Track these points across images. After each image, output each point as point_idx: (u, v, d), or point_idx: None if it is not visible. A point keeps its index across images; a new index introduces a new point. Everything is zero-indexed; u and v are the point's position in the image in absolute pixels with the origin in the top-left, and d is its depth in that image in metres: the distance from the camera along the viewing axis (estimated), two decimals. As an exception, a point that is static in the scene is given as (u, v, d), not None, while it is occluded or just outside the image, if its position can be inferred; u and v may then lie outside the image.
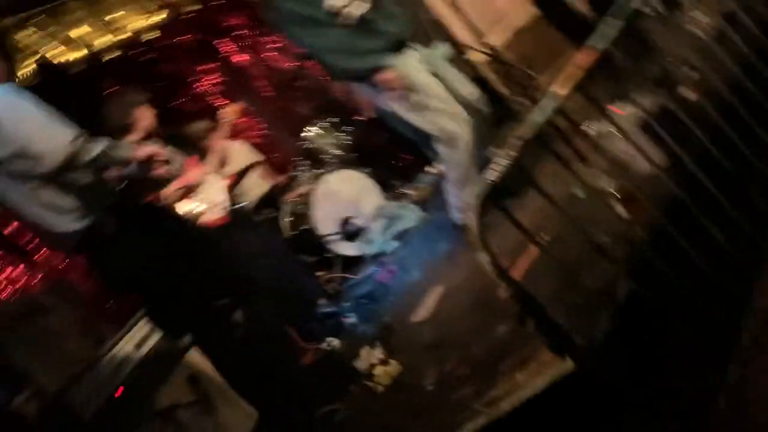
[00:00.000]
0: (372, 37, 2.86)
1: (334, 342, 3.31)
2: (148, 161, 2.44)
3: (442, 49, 4.45)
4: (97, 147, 2.29)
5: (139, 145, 2.93)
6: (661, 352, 1.65)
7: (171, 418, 2.67)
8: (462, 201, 3.08)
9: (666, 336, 1.67)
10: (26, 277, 4.53)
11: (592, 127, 2.88)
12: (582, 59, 1.86)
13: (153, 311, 2.98)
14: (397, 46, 2.92)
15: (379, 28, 2.87)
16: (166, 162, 2.55)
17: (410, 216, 4.24)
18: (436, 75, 3.01)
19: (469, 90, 3.08)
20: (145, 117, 3.52)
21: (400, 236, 4.18)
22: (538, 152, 2.80)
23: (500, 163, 1.64)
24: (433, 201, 4.38)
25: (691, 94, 2.08)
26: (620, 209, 1.97)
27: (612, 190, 2.06)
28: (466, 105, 3.00)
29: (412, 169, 5.42)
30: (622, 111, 2.80)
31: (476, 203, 1.57)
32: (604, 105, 2.93)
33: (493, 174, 1.60)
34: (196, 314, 2.62)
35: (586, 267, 1.89)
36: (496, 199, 1.71)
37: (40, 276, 4.54)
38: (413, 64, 2.94)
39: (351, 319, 3.42)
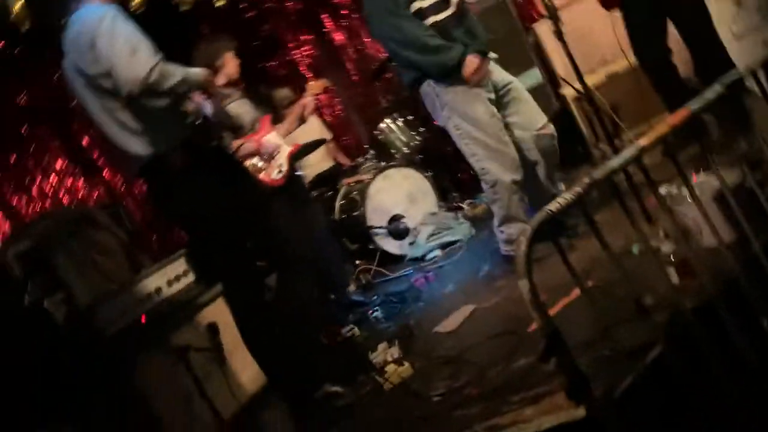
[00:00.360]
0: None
1: (355, 330, 3.35)
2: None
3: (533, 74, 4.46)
4: (177, 75, 2.37)
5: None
6: (677, 426, 1.60)
7: (183, 357, 2.73)
8: (508, 234, 3.05)
9: (688, 413, 1.62)
10: (85, 190, 4.73)
11: (665, 187, 2.82)
12: (673, 118, 1.82)
13: (193, 253, 3.08)
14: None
15: (459, 40, 2.86)
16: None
17: (459, 230, 4.22)
18: (502, 101, 2.96)
19: (542, 122, 3.02)
20: (230, 64, 3.64)
21: (445, 247, 4.17)
22: (606, 199, 2.78)
23: (565, 197, 1.62)
24: (485, 221, 4.35)
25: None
26: (673, 275, 1.92)
27: (670, 254, 2.01)
28: (530, 138, 2.96)
29: (473, 185, 5.40)
30: (701, 178, 2.74)
31: (531, 229, 1.55)
32: (684, 168, 2.88)
33: (554, 205, 1.58)
34: (233, 267, 2.68)
35: (623, 323, 1.85)
36: (552, 232, 1.69)
37: (97, 193, 4.74)
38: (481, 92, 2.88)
39: (377, 312, 3.44)
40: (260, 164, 3.54)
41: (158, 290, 3.07)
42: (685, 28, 3.20)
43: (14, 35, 3.74)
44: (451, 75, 2.83)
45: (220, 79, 3.57)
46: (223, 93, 3.56)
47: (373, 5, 2.87)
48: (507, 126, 2.96)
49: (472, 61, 2.80)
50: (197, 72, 2.53)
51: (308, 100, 3.90)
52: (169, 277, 3.15)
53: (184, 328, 2.97)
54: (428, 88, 2.92)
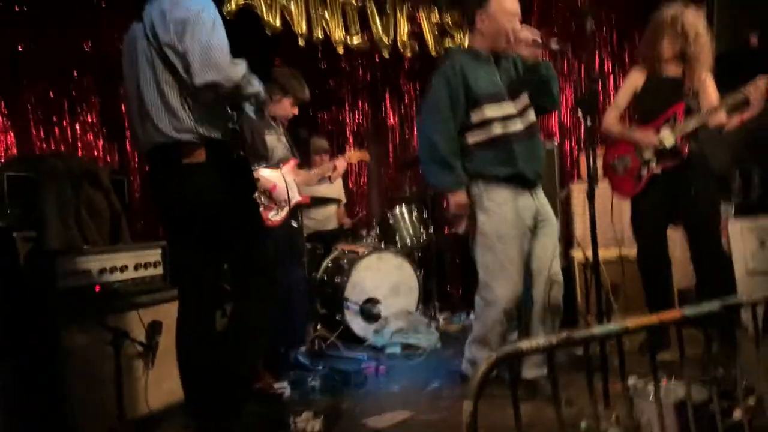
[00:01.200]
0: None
1: (287, 390, 3.27)
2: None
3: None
4: (256, 86, 2.46)
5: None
6: None
7: (115, 340, 2.67)
8: (474, 355, 3.02)
9: None
10: (102, 151, 4.77)
11: (634, 378, 2.81)
12: (664, 314, 1.84)
13: (171, 248, 3.02)
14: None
15: (519, 158, 2.87)
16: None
17: (426, 337, 4.18)
18: (535, 231, 2.93)
19: (556, 270, 3.00)
20: (286, 108, 3.72)
21: (406, 347, 4.12)
22: (575, 367, 2.77)
23: (539, 342, 1.62)
24: (454, 340, 4.32)
25: (738, 413, 2.00)
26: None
27: (614, 441, 1.98)
28: (542, 278, 2.93)
29: (457, 303, 5.41)
30: (671, 384, 2.73)
31: (497, 356, 1.54)
32: (659, 369, 2.88)
33: (525, 344, 1.58)
34: (201, 278, 2.63)
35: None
36: (515, 376, 1.68)
37: (110, 159, 4.77)
38: (505, 209, 2.86)
39: (315, 382, 3.36)
40: (263, 200, 3.55)
41: (123, 268, 3.03)
42: (703, 250, 3.31)
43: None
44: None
45: (270, 110, 3.67)
46: (267, 122, 3.65)
47: (430, 100, 2.87)
48: (529, 254, 2.93)
49: (455, 197, 2.85)
50: (263, 91, 2.57)
51: (341, 163, 3.97)
52: (139, 261, 3.12)
53: (130, 314, 2.91)
54: (477, 189, 2.89)
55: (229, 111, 2.54)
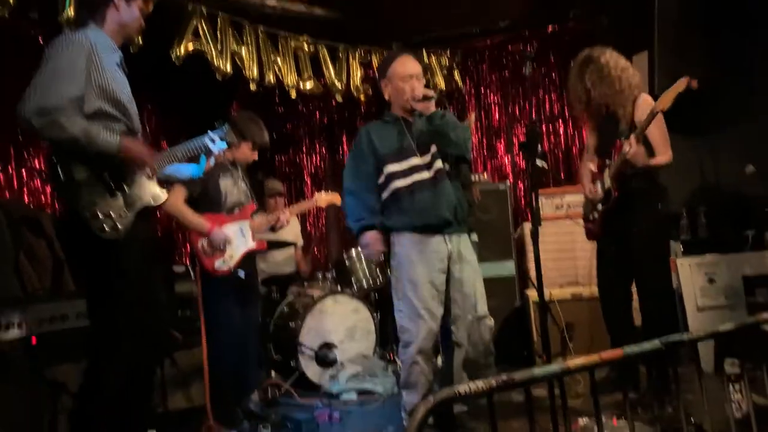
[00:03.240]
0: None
1: (238, 439, 3.17)
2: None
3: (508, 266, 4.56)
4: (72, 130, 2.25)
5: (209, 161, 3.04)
6: None
7: (53, 393, 2.56)
8: (405, 401, 3.02)
9: None
10: (49, 197, 4.66)
11: (585, 419, 2.80)
12: (606, 353, 1.84)
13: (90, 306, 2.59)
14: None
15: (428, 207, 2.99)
16: None
17: (383, 382, 4.11)
18: (452, 273, 2.98)
19: (482, 311, 3.07)
20: (246, 154, 3.69)
21: (362, 393, 4.04)
22: (520, 410, 2.74)
23: (477, 385, 1.60)
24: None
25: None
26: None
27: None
28: (464, 321, 2.98)
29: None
30: (620, 424, 2.72)
31: (432, 402, 1.51)
32: (609, 409, 2.88)
33: (462, 388, 1.55)
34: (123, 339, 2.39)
35: None
36: (450, 423, 1.65)
37: (58, 207, 4.66)
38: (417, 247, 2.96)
39: (266, 431, 3.27)
40: (207, 249, 3.46)
41: (64, 317, 2.93)
42: (644, 288, 3.33)
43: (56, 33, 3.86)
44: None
45: (229, 154, 3.61)
46: (223, 166, 3.58)
47: (345, 172, 3.17)
48: (448, 296, 2.98)
49: (365, 237, 3.01)
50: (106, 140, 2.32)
51: (285, 216, 3.87)
52: (80, 310, 3.01)
53: (70, 365, 2.79)
54: (392, 237, 3.04)
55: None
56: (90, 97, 2.30)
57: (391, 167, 3.01)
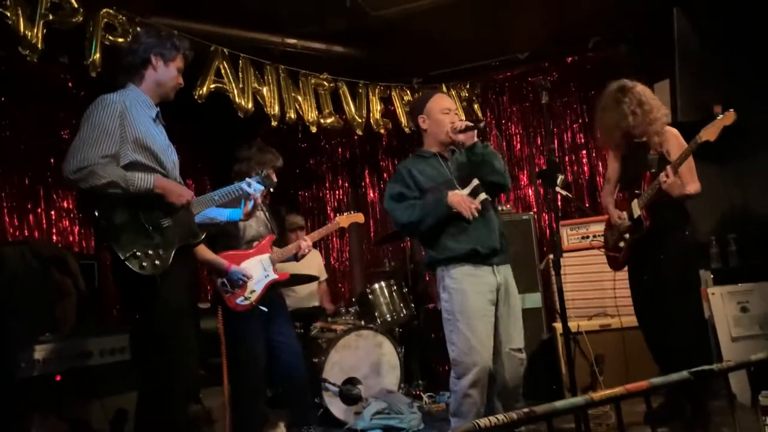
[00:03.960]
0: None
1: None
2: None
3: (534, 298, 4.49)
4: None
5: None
6: None
7: (76, 430, 2.56)
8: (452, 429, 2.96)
9: None
10: (76, 237, 4.75)
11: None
12: (632, 385, 1.79)
13: (136, 341, 2.89)
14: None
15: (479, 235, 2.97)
16: None
17: (409, 418, 4.03)
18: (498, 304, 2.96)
19: (518, 344, 3.01)
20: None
21: (387, 430, 3.97)
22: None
23: (497, 418, 1.56)
24: (438, 421, 4.18)
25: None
26: None
27: None
28: (505, 347, 2.95)
29: (442, 381, 5.27)
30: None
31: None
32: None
33: (483, 421, 1.52)
34: (170, 371, 2.52)
35: None
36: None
37: (85, 244, 4.75)
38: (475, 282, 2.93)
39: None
40: (228, 287, 3.47)
41: (88, 355, 2.95)
42: (673, 317, 3.26)
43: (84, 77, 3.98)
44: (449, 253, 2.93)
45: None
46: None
47: (387, 195, 3.12)
48: (495, 328, 2.95)
49: (453, 198, 2.92)
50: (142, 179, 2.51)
51: (305, 243, 3.90)
52: (105, 347, 3.05)
53: (94, 402, 2.81)
54: (440, 272, 3.01)
55: None
56: (126, 151, 2.48)
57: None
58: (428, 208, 2.95)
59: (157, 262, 2.43)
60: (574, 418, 2.17)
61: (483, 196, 3.02)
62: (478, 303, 2.90)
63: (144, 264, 2.39)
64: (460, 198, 2.92)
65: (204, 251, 3.43)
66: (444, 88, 5.63)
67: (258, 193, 3.05)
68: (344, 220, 4.23)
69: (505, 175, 3.05)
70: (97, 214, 2.41)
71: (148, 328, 2.49)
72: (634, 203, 3.36)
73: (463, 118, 3.20)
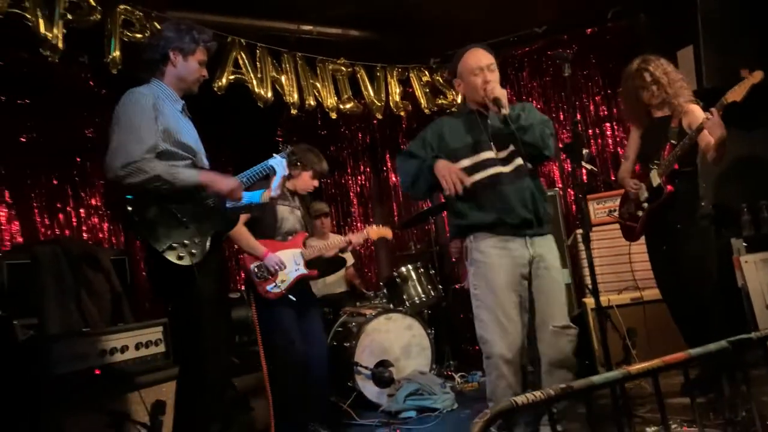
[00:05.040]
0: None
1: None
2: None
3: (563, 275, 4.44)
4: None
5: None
6: None
7: (116, 423, 2.61)
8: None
9: None
10: (106, 233, 4.82)
11: (653, 429, 2.69)
12: (669, 357, 1.77)
13: (174, 330, 2.98)
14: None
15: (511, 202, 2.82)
16: None
17: (442, 399, 4.05)
18: (533, 279, 2.80)
19: (562, 321, 2.81)
20: (306, 183, 3.78)
21: (421, 411, 3.99)
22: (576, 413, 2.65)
23: (534, 395, 1.55)
24: (472, 400, 4.19)
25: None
26: None
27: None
28: (546, 324, 2.77)
29: (473, 361, 5.27)
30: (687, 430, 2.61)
31: (491, 413, 1.47)
32: (677, 414, 2.76)
33: (520, 399, 1.51)
34: (197, 356, 2.56)
35: None
36: (508, 428, 1.60)
37: (115, 240, 4.81)
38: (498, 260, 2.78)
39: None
40: (258, 272, 3.53)
41: (124, 348, 3.00)
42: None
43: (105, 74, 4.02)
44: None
45: (290, 184, 3.72)
46: (283, 194, 3.65)
47: (405, 151, 3.01)
48: (532, 303, 2.81)
49: (438, 166, 2.76)
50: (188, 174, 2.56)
51: (356, 239, 3.98)
52: (140, 341, 3.09)
53: (131, 395, 2.86)
54: (468, 243, 2.86)
55: None
56: (159, 141, 2.51)
57: (464, 162, 2.82)
58: (420, 172, 2.81)
59: (193, 251, 2.47)
60: (611, 392, 2.16)
61: (519, 161, 2.82)
62: (506, 277, 2.74)
63: (181, 254, 2.43)
64: (446, 169, 2.72)
65: (245, 234, 3.51)
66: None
67: (283, 166, 3.06)
68: (374, 232, 4.23)
69: (542, 144, 2.80)
70: (130, 209, 2.43)
71: (184, 318, 2.53)
72: (653, 173, 3.34)
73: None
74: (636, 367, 1.74)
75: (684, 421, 2.77)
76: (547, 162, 2.98)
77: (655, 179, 3.33)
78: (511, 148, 2.83)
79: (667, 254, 3.36)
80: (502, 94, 2.77)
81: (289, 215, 3.73)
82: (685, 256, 3.26)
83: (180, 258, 2.43)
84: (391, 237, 4.42)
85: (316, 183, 3.86)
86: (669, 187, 3.27)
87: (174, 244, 2.43)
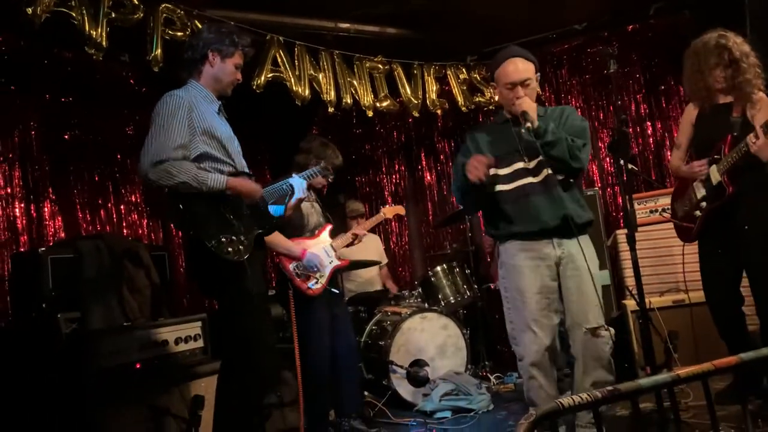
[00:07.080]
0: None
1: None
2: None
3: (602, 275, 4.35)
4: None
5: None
6: None
7: (156, 417, 2.64)
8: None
9: None
10: (145, 229, 4.89)
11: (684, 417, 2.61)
12: (720, 361, 1.71)
13: (214, 325, 3.03)
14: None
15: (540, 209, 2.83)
16: None
17: (477, 399, 4.01)
18: (562, 281, 2.79)
19: (595, 323, 2.77)
20: (319, 180, 3.79)
21: (456, 411, 3.96)
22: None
23: (581, 397, 1.52)
24: (507, 402, 4.15)
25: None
26: None
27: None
28: (579, 326, 2.76)
29: (509, 363, 5.21)
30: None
31: (535, 416, 1.44)
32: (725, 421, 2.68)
33: (566, 401, 1.48)
34: (244, 350, 2.59)
35: None
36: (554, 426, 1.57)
37: (154, 237, 4.88)
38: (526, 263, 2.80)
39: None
40: (298, 271, 3.56)
41: (164, 343, 3.04)
42: (762, 290, 3.06)
43: (146, 72, 4.07)
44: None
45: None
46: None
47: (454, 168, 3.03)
48: (563, 306, 2.80)
49: (470, 161, 2.75)
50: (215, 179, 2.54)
51: (360, 232, 4.00)
52: (180, 336, 3.13)
53: (171, 389, 2.89)
54: (499, 246, 2.94)
55: None
56: (196, 143, 2.54)
57: (499, 171, 2.87)
58: (458, 177, 2.85)
59: (241, 247, 2.50)
60: (655, 396, 2.10)
61: (548, 171, 2.81)
62: (533, 280, 2.76)
63: (230, 249, 2.46)
64: (473, 162, 2.72)
65: (279, 237, 3.52)
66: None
67: (301, 190, 3.17)
68: (389, 210, 4.37)
69: (569, 159, 2.75)
70: (181, 207, 2.46)
71: (231, 315, 2.56)
72: (713, 169, 3.10)
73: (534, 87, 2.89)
74: (686, 370, 1.69)
75: (730, 426, 2.70)
76: (580, 173, 2.91)
77: (715, 176, 3.08)
78: (540, 157, 2.83)
79: (725, 259, 3.13)
80: (530, 107, 2.79)
81: (312, 211, 3.76)
82: (752, 261, 3.03)
83: (228, 253, 2.45)
84: (404, 213, 4.59)
85: (331, 178, 3.85)
86: (731, 189, 3.02)
87: (223, 239, 2.46)
